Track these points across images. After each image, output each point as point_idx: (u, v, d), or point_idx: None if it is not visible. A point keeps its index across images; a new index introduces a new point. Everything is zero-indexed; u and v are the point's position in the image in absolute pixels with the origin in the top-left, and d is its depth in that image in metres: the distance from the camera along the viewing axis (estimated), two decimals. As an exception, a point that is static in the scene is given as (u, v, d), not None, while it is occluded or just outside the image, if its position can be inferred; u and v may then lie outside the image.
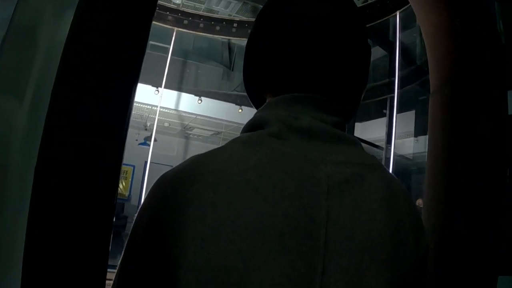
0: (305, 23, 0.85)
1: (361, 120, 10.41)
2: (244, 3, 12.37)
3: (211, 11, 12.95)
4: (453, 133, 2.10)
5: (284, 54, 0.85)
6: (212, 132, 14.03)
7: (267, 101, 0.91)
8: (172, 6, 9.16)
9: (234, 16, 12.37)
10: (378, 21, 7.90)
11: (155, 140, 12.29)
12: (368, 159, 0.81)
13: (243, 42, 9.86)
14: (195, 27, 9.03)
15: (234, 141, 0.78)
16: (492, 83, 2.08)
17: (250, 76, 0.97)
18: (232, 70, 13.84)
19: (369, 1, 8.23)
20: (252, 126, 0.82)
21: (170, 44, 9.42)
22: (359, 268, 0.69)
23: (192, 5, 12.84)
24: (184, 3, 12.59)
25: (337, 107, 0.86)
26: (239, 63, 13.79)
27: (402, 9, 7.46)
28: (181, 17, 8.88)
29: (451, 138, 2.11)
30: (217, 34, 9.15)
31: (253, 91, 0.99)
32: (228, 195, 0.67)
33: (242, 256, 0.64)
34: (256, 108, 0.96)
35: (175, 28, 8.89)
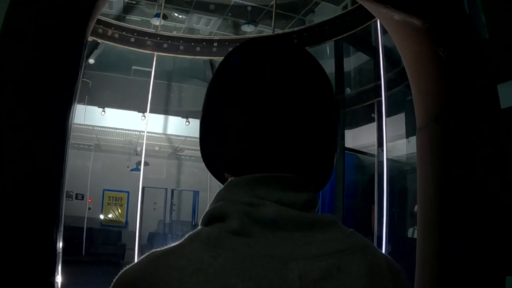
0: (260, 92, 0.77)
1: (350, 127, 10.31)
2: (224, 19, 12.30)
3: (192, 29, 12.89)
4: (444, 172, 1.97)
5: (238, 129, 0.78)
6: (204, 152, 13.90)
7: (228, 180, 0.82)
8: (150, 30, 9.05)
9: (214, 34, 12.31)
10: (359, 28, 7.83)
11: (146, 164, 12.19)
12: (346, 242, 0.75)
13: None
14: (175, 50, 8.94)
15: (192, 239, 0.70)
16: (486, 117, 1.95)
17: (206, 152, 0.88)
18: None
19: (349, 8, 8.18)
20: (211, 218, 0.74)
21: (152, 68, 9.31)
22: None
23: (173, 25, 12.77)
24: (165, 23, 12.53)
25: (307, 181, 0.80)
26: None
27: (382, 15, 7.41)
28: (160, 41, 8.79)
29: (441, 178, 1.98)
30: (198, 55, 9.03)
31: (213, 168, 0.89)
32: None
33: None
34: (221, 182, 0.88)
35: (155, 53, 8.79)
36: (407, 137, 9.68)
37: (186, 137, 11.62)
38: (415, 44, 2.15)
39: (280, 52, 0.84)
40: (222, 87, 0.84)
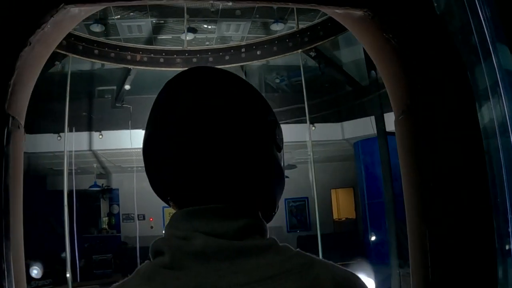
0: (185, 127, 0.80)
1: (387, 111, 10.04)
2: (252, 21, 12.27)
3: (223, 38, 12.94)
4: (419, 164, 1.85)
5: (171, 164, 0.82)
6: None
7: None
8: (177, 48, 9.15)
9: (246, 38, 12.30)
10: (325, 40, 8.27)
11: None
12: (281, 266, 0.75)
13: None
14: (205, 63, 8.98)
15: (136, 273, 0.77)
16: (454, 104, 1.82)
17: (151, 184, 0.90)
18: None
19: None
20: (153, 253, 0.80)
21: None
22: None
23: (204, 37, 12.87)
24: (197, 37, 12.65)
25: (245, 209, 0.82)
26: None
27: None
28: (189, 57, 8.86)
29: (421, 165, 1.86)
30: (228, 64, 9.05)
31: (162, 199, 0.91)
32: None
33: None
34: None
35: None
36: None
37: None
38: (368, 35, 2.06)
39: (203, 83, 0.86)
40: (152, 123, 0.86)
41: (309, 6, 1.85)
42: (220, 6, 11.17)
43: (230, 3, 1.66)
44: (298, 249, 0.81)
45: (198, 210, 0.79)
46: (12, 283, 1.61)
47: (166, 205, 0.92)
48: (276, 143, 0.90)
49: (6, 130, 1.62)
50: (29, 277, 8.72)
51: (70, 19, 1.82)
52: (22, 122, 1.81)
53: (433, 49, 1.88)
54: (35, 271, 8.49)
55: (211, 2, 1.70)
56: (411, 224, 1.96)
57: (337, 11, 1.99)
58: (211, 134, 0.79)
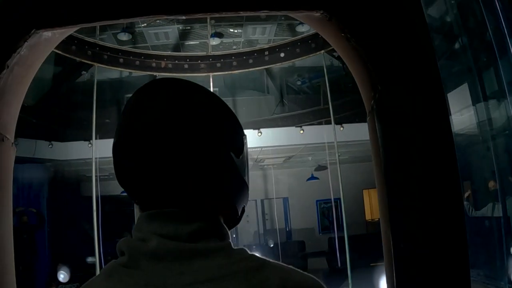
0: (139, 136, 0.85)
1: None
2: (278, 24, 12.29)
3: (250, 41, 13.00)
4: (384, 161, 1.84)
5: (130, 170, 0.88)
6: (284, 158, 13.91)
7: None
8: (201, 54, 9.23)
9: (273, 41, 12.30)
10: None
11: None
12: (227, 268, 0.79)
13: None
14: (229, 67, 9.02)
15: (102, 270, 0.85)
16: (423, 101, 1.80)
17: (121, 187, 0.95)
18: (268, 93, 13.76)
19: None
20: (118, 253, 0.86)
21: (210, 89, 9.46)
22: None
23: (231, 41, 12.96)
24: (223, 41, 12.75)
25: (199, 213, 0.86)
26: (271, 84, 13.75)
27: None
28: (213, 62, 8.92)
29: (383, 166, 1.85)
30: (251, 67, 9.08)
31: (126, 190, 0.96)
32: None
33: None
34: None
35: (211, 74, 8.93)
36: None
37: (262, 147, 11.66)
38: (331, 35, 2.06)
39: (162, 94, 0.90)
40: (117, 131, 0.91)
41: (262, 12, 1.86)
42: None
43: (183, 17, 1.70)
44: (252, 253, 0.84)
45: (156, 213, 0.85)
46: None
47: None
48: (235, 149, 0.94)
49: None
50: (57, 282, 8.99)
51: (45, 42, 1.91)
52: (9, 136, 1.91)
53: (397, 47, 1.85)
54: (62, 276, 8.73)
55: (163, 18, 1.72)
56: (381, 225, 1.97)
57: (299, 16, 2.00)
58: (166, 142, 0.84)
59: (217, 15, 1.87)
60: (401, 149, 1.77)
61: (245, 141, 1.01)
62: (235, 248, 0.85)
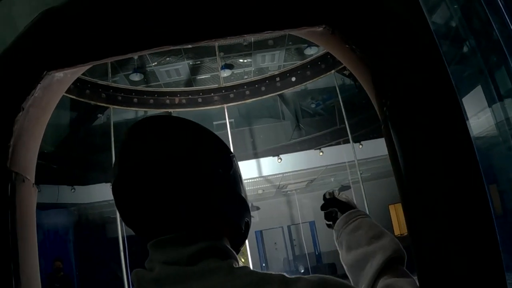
0: (130, 170, 0.91)
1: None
2: (286, 49, 12.38)
3: (261, 69, 13.10)
4: (400, 170, 1.81)
5: (126, 205, 0.95)
6: (306, 181, 13.85)
7: None
8: (214, 86, 9.33)
9: (283, 66, 12.37)
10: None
11: (257, 208, 12.30)
12: (223, 286, 0.82)
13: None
14: (242, 97, 9.13)
15: None
16: (436, 108, 1.77)
17: (121, 216, 1.01)
18: (284, 119, 13.77)
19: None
20: (132, 283, 0.92)
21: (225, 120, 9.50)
22: None
23: (242, 71, 13.07)
24: (235, 72, 12.87)
25: (199, 234, 0.90)
26: (286, 110, 13.77)
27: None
28: (226, 93, 9.03)
29: (399, 176, 1.82)
30: (264, 95, 9.15)
31: (131, 228, 1.02)
32: None
33: None
34: None
35: (225, 105, 9.01)
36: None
37: (283, 173, 11.65)
38: (335, 48, 2.05)
39: (151, 131, 0.97)
40: (113, 172, 0.96)
41: (265, 33, 1.87)
42: (252, 39, 11.37)
43: (189, 46, 1.72)
44: (254, 270, 0.86)
45: (158, 241, 0.90)
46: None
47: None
48: (223, 167, 0.99)
49: (9, 184, 1.78)
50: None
51: (58, 83, 1.96)
52: (30, 177, 1.95)
53: (403, 53, 1.84)
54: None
55: (170, 48, 1.75)
56: (409, 234, 1.94)
57: (302, 33, 2.00)
58: (155, 175, 0.90)
59: (222, 40, 1.88)
60: (419, 153, 1.74)
61: (234, 159, 1.05)
62: (237, 266, 0.89)
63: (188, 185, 0.91)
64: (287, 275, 0.86)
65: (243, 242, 1.08)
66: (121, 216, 0.99)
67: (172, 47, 1.77)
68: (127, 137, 0.97)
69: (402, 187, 1.86)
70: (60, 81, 1.92)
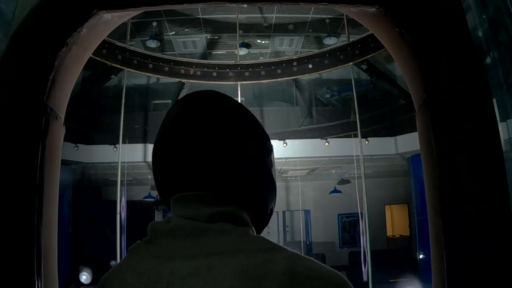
0: (185, 137, 0.95)
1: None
2: (305, 36, 12.31)
3: (277, 53, 13.03)
4: (437, 154, 1.81)
5: (166, 163, 0.98)
6: (308, 170, 13.84)
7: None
8: (230, 62, 9.27)
9: (300, 52, 12.32)
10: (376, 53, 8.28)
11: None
12: (233, 245, 0.83)
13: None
14: (258, 77, 9.06)
15: (130, 247, 0.96)
16: (471, 97, 1.78)
17: (157, 182, 1.05)
18: (297, 105, 13.69)
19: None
20: (146, 233, 0.95)
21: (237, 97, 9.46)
22: None
23: (258, 51, 13.01)
24: (251, 52, 12.80)
25: (225, 199, 0.92)
26: (299, 96, 13.70)
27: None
28: (241, 71, 8.95)
29: (436, 159, 1.82)
30: (280, 77, 9.10)
31: (164, 192, 1.05)
32: None
33: None
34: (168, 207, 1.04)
35: (239, 83, 8.94)
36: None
37: (286, 158, 11.62)
38: (383, 31, 2.06)
39: (200, 103, 1.00)
40: (159, 135, 1.01)
41: (320, 4, 1.86)
42: (273, 20, 11.30)
43: (245, 5, 1.69)
44: (264, 237, 0.88)
45: (182, 196, 0.93)
46: (41, 255, 1.74)
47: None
48: (264, 151, 1.03)
49: (44, 118, 1.77)
50: (78, 282, 9.00)
51: (104, 25, 1.94)
52: (61, 115, 1.95)
53: (448, 42, 1.85)
54: (84, 277, 8.77)
55: (226, 5, 1.72)
56: (430, 218, 1.93)
57: (353, 11, 2.00)
58: (205, 144, 0.94)
59: (278, 4, 1.86)
60: (453, 140, 1.76)
61: (272, 145, 1.10)
62: (253, 234, 0.92)
63: (231, 152, 0.95)
64: (306, 256, 0.84)
65: (263, 226, 1.08)
66: (154, 173, 1.03)
67: (228, 4, 1.75)
68: (181, 108, 1.01)
69: (431, 170, 1.87)
70: (107, 23, 1.89)
